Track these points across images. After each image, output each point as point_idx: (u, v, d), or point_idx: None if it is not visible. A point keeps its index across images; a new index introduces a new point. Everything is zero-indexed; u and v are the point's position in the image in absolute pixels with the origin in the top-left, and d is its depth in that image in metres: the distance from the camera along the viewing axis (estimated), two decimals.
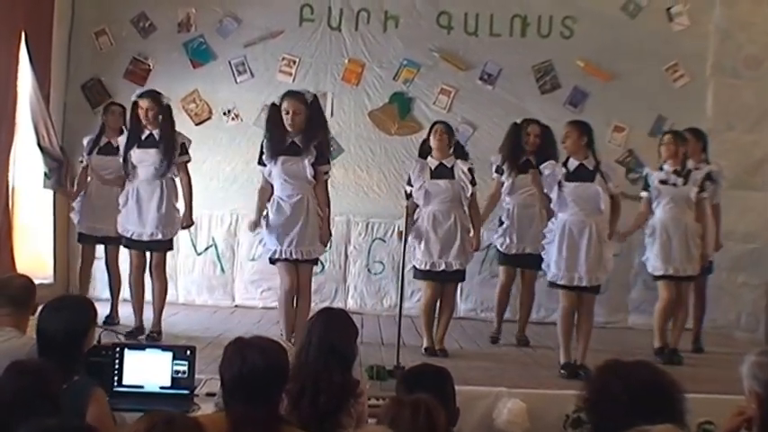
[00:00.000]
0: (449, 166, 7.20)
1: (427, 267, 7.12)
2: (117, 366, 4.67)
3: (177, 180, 7.19)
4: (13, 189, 8.63)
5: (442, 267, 7.09)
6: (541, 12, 9.61)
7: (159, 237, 7.12)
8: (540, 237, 7.01)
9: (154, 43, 9.71)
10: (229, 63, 9.70)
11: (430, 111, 9.61)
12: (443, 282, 7.19)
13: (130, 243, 7.21)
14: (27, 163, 8.86)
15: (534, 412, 5.49)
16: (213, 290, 9.60)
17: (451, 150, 7.30)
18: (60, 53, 9.40)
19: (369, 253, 9.52)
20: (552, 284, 6.73)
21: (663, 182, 7.31)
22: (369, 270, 9.52)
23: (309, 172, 6.69)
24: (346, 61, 9.70)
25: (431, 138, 7.26)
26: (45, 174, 8.99)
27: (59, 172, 9.08)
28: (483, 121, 9.54)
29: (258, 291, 9.54)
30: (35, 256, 9.08)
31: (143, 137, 7.14)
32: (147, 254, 7.25)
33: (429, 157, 7.26)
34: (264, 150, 6.76)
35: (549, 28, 9.59)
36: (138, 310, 7.25)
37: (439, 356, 6.91)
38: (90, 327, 3.56)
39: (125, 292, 7.72)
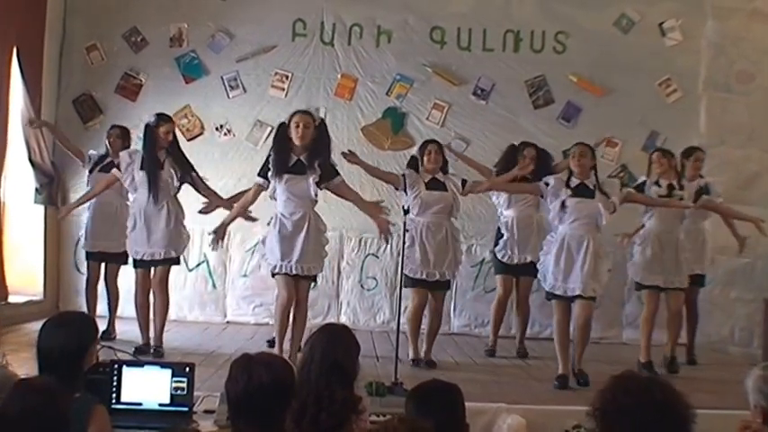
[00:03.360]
0: (441, 180, 7.38)
1: (422, 276, 7.19)
2: (115, 383, 4.63)
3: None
4: (3, 205, 8.59)
5: (436, 278, 7.21)
6: (534, 27, 9.65)
7: (168, 255, 7.20)
8: (540, 246, 7.07)
9: (146, 58, 9.67)
10: (222, 78, 9.67)
11: (423, 126, 9.62)
12: (433, 290, 7.30)
13: (140, 263, 7.25)
14: (18, 178, 8.82)
15: (534, 428, 5.50)
16: (205, 306, 9.54)
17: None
18: (52, 68, 9.37)
19: (362, 269, 9.50)
20: (549, 294, 6.80)
21: (662, 196, 7.37)
22: (362, 286, 9.50)
23: (313, 190, 6.79)
24: (339, 76, 9.70)
25: (424, 158, 7.37)
26: (36, 189, 8.97)
27: (50, 187, 9.06)
28: (476, 136, 9.55)
29: (250, 307, 9.50)
30: (25, 273, 9.02)
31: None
32: (152, 271, 7.29)
33: (421, 171, 7.39)
34: (270, 167, 6.81)
35: (541, 43, 9.63)
36: (145, 328, 7.30)
37: (426, 368, 7.01)
38: (90, 344, 3.51)
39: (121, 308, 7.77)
